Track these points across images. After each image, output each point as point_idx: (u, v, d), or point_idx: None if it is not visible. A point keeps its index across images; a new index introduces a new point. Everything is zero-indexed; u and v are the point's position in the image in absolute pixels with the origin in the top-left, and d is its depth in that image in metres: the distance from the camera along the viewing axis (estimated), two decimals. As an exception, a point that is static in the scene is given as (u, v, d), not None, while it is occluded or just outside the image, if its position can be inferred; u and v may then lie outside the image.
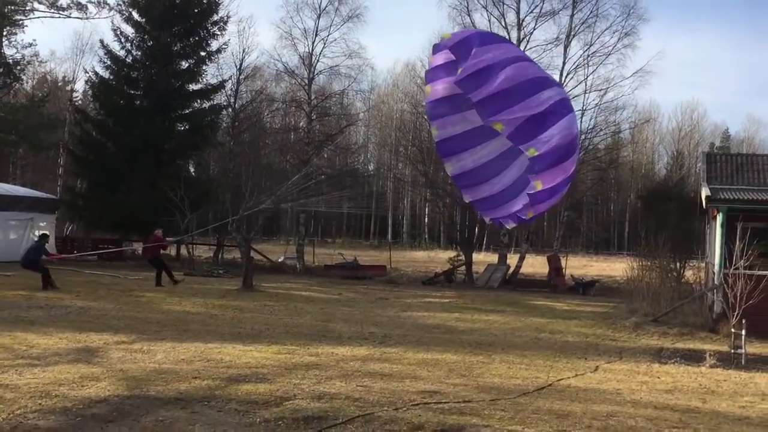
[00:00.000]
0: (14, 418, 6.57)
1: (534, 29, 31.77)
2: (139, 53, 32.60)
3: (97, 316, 13.87)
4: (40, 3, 35.65)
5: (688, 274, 22.78)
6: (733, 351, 12.45)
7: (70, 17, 36.89)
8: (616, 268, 33.80)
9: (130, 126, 30.58)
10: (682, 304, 18.18)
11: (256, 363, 9.77)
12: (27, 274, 18.70)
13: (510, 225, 8.71)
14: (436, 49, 8.21)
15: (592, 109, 31.81)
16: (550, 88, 7.65)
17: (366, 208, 55.36)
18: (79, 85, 58.46)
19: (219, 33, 33.16)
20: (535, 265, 35.18)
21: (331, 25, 33.95)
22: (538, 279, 30.97)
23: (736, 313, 13.62)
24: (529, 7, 31.56)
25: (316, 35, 33.81)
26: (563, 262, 30.88)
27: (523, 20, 31.62)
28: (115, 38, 32.36)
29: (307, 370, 9.38)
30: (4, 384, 7.84)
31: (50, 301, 15.81)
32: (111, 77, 32.44)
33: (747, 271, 14.73)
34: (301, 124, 41.20)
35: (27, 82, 52.01)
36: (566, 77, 30.85)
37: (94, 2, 36.05)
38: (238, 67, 35.26)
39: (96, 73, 32.52)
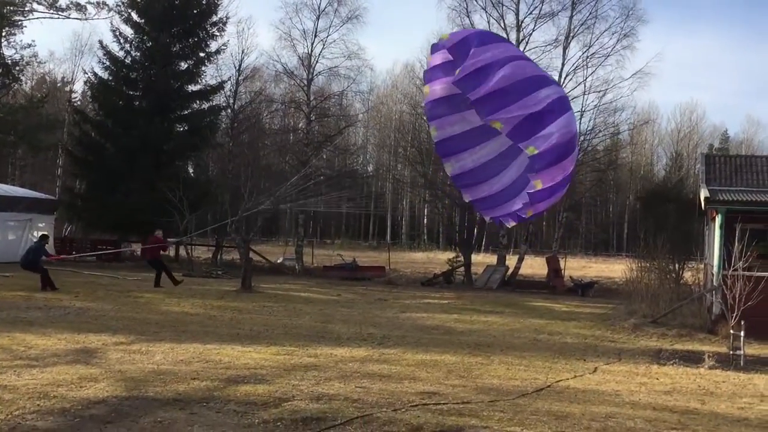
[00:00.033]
0: (13, 419, 6.57)
1: (533, 30, 31.83)
2: (138, 54, 32.57)
3: (96, 317, 13.87)
4: (39, 4, 35.78)
5: (687, 275, 22.75)
6: (731, 352, 12.46)
7: (69, 18, 37.11)
8: (614, 269, 33.84)
9: (129, 127, 30.54)
10: (680, 306, 18.18)
11: (255, 364, 9.77)
12: (26, 274, 18.71)
13: (510, 223, 8.73)
14: (435, 49, 8.18)
15: (591, 111, 31.83)
16: (548, 86, 7.62)
17: (365, 208, 55.37)
18: (78, 86, 58.52)
19: (218, 34, 33.19)
20: (534, 266, 35.20)
21: (330, 26, 33.98)
22: (537, 280, 30.94)
23: (734, 315, 13.64)
24: (528, 9, 31.62)
25: (315, 36, 33.85)
26: (562, 264, 30.86)
27: (522, 21, 31.64)
28: (114, 39, 32.39)
29: (305, 371, 9.38)
30: (2, 385, 7.83)
31: (49, 301, 15.81)
32: (110, 78, 32.42)
33: (746, 273, 14.75)
34: (300, 125, 41.15)
35: (26, 83, 52.08)
36: (565, 78, 30.83)
37: (93, 3, 36.23)
38: (237, 68, 35.32)
39: (95, 74, 32.55)
